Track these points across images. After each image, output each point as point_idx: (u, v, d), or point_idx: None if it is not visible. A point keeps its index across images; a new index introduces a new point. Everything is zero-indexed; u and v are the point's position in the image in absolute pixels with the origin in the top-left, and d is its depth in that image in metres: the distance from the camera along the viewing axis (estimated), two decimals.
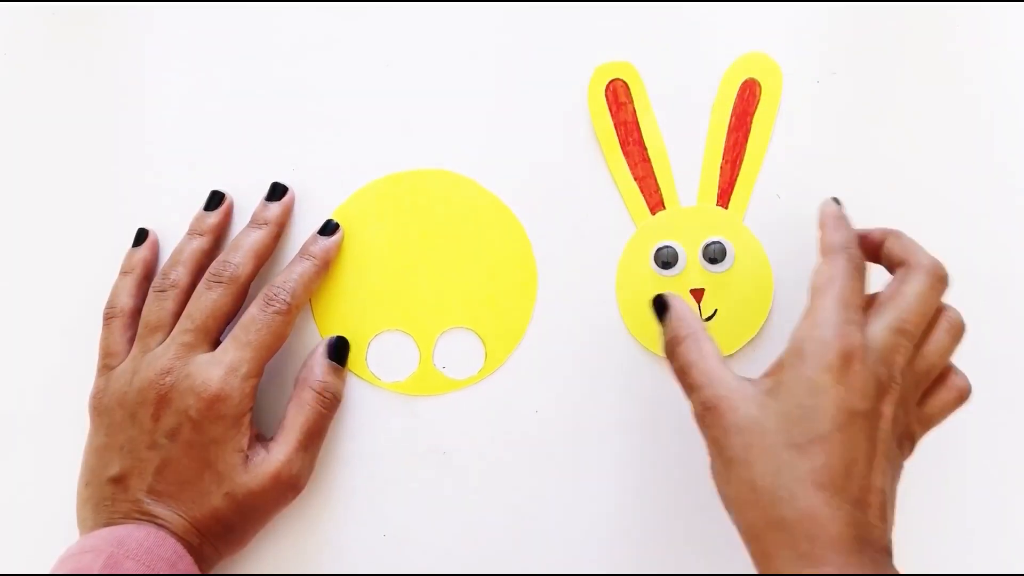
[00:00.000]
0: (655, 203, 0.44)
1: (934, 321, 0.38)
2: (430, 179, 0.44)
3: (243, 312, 0.40)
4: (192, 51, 0.45)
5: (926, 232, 0.41)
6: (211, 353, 0.39)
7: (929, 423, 0.38)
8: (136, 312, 0.41)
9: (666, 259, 0.43)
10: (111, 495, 0.38)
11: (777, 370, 0.35)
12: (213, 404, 0.38)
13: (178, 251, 0.42)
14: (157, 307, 0.40)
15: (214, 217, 0.43)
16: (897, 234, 0.39)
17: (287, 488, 0.40)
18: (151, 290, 0.41)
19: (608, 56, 0.44)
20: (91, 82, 0.45)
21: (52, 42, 0.46)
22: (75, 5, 0.45)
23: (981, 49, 0.44)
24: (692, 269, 0.43)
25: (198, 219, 0.43)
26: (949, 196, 0.44)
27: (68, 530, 0.39)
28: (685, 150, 0.44)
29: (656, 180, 0.44)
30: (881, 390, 0.34)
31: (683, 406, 0.37)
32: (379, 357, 0.44)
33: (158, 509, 0.37)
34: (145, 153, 0.45)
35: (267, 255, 0.42)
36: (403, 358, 0.44)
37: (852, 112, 0.44)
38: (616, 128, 0.44)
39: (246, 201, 0.44)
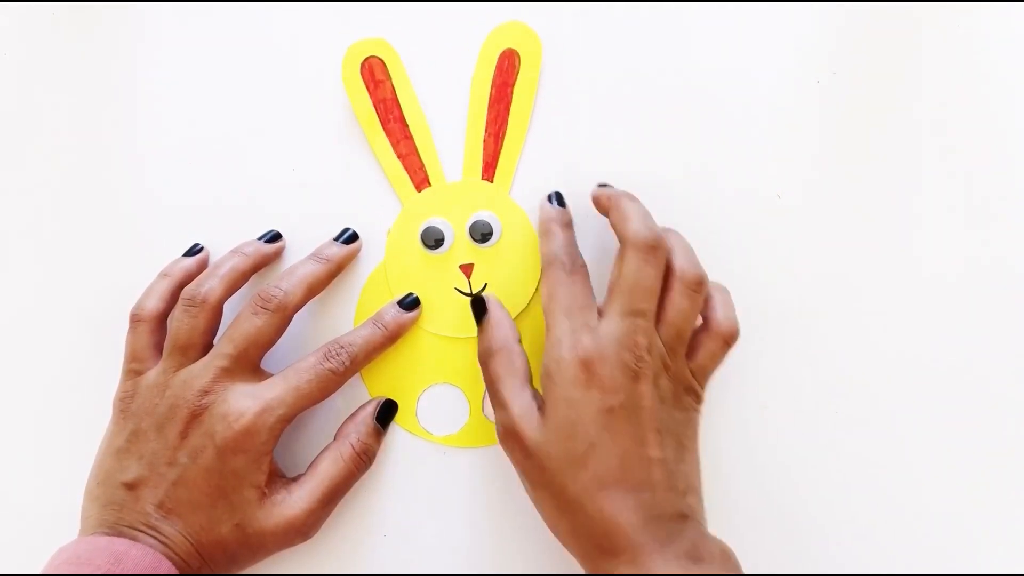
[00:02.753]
0: (420, 180, 0.43)
1: (667, 285, 0.38)
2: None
3: (302, 357, 0.40)
4: (194, 50, 0.45)
5: (926, 232, 0.44)
6: (254, 385, 0.39)
7: (704, 372, 0.40)
8: (163, 317, 0.41)
9: (434, 239, 0.43)
10: (121, 500, 0.37)
11: (543, 392, 0.38)
12: (240, 436, 0.37)
13: (217, 265, 0.41)
14: (188, 324, 0.39)
15: (265, 247, 0.42)
16: (615, 204, 0.40)
17: (297, 535, 0.39)
18: (181, 299, 0.40)
19: (361, 34, 0.43)
20: (92, 81, 0.45)
21: (52, 42, 0.45)
22: (75, 5, 0.45)
23: (983, 49, 0.44)
24: (460, 245, 0.43)
25: (248, 243, 0.42)
26: (949, 196, 0.44)
27: (70, 524, 0.39)
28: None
29: (420, 157, 0.43)
30: (631, 375, 0.36)
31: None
32: (429, 412, 0.43)
33: (164, 526, 0.37)
34: (146, 152, 0.44)
35: (319, 289, 0.41)
36: (453, 411, 0.43)
37: (852, 112, 0.44)
38: (375, 106, 0.43)
39: (245, 201, 0.44)
